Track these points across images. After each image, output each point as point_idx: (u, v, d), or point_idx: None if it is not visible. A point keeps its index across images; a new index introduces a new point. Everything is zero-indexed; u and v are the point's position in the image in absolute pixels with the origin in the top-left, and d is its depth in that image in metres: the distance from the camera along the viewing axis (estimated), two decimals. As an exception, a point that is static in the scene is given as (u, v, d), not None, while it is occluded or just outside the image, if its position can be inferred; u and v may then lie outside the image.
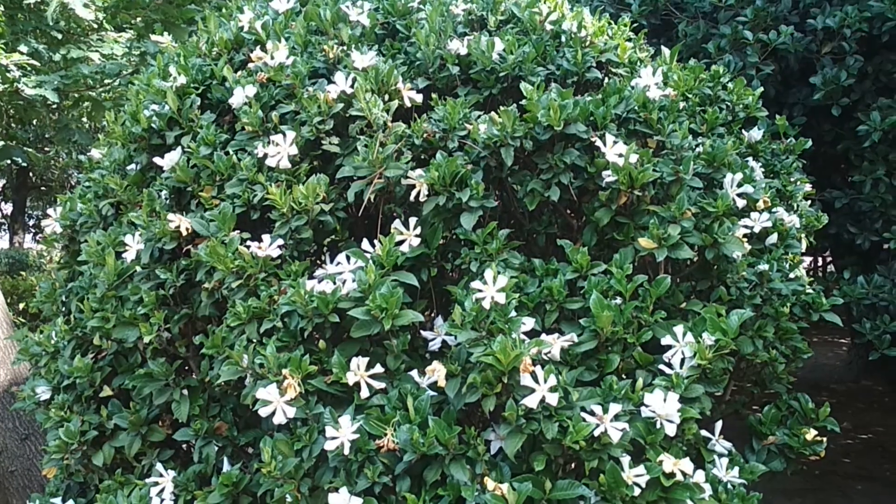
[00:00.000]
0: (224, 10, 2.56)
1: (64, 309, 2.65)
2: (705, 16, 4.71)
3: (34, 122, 6.00)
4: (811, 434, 2.31)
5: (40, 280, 8.93)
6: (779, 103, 4.73)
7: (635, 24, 4.63)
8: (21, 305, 8.26)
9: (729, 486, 1.99)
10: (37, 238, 20.68)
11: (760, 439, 2.34)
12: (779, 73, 4.56)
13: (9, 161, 4.54)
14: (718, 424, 2.21)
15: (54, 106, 5.07)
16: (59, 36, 5.66)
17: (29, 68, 4.86)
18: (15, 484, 5.39)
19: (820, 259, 9.06)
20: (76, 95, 5.36)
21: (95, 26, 5.74)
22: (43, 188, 17.94)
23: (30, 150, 4.60)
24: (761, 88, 2.66)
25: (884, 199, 4.47)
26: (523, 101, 2.00)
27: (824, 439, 2.33)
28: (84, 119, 6.07)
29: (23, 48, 5.00)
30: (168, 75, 2.32)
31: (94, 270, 2.22)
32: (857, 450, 7.02)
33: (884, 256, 4.73)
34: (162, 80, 2.30)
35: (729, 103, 2.55)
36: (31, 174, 15.74)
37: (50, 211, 2.58)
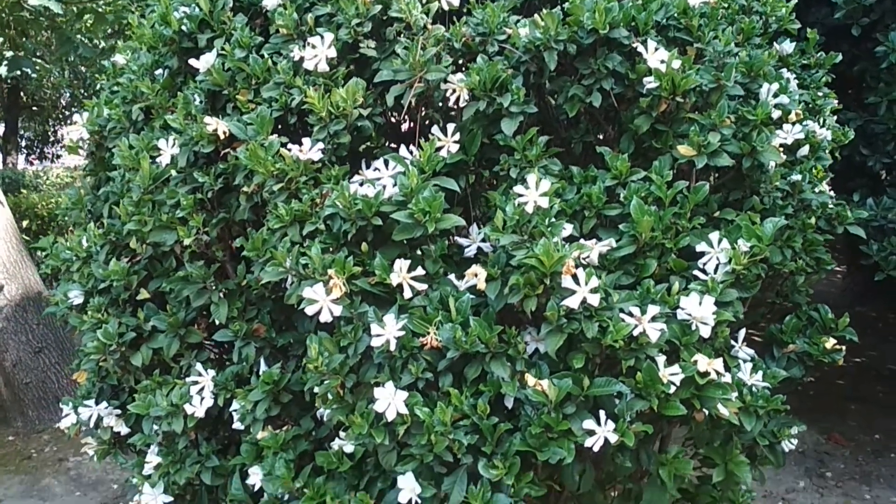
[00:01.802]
0: None
1: (92, 215, 2.67)
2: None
3: (35, 35, 5.86)
4: (830, 343, 2.37)
5: (42, 199, 8.92)
6: (799, 22, 4.67)
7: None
8: (24, 223, 8.27)
9: (753, 388, 2.06)
10: (30, 159, 20.48)
11: (781, 347, 2.40)
12: (798, -8, 4.49)
13: (17, 72, 4.45)
14: (742, 332, 2.27)
15: (57, 18, 4.95)
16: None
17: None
18: (30, 395, 5.54)
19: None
20: (78, 7, 5.22)
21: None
22: (34, 108, 17.65)
23: (38, 60, 4.51)
24: (795, 0, 2.62)
25: (898, 122, 4.49)
26: (564, 6, 1.97)
27: (843, 348, 2.40)
28: (85, 32, 5.94)
29: None
30: (196, -24, 2.27)
31: (128, 175, 2.23)
32: (852, 373, 7.21)
33: (893, 179, 4.76)
34: (191, -19, 2.26)
35: (763, 14, 2.52)
36: (22, 94, 15.45)
37: (76, 117, 2.56)
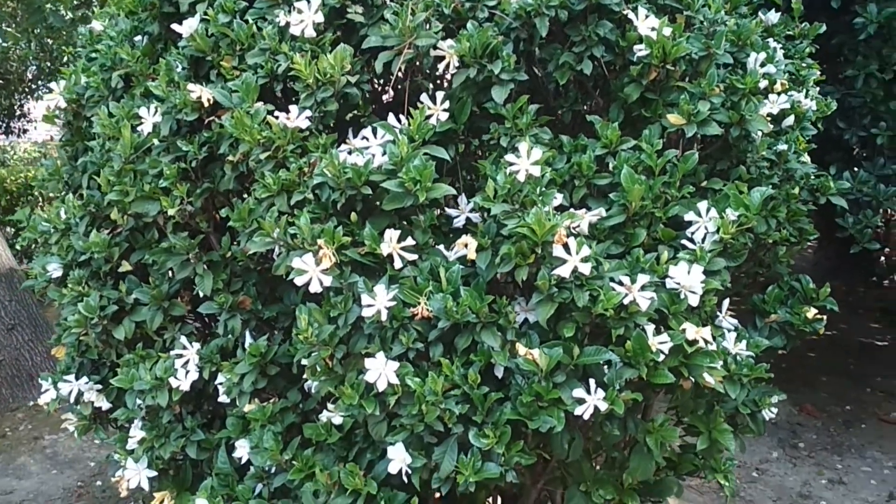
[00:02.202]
0: None
1: (70, 186, 2.61)
2: None
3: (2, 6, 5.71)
4: (812, 312, 2.40)
5: (11, 173, 8.74)
6: (778, -5, 4.70)
7: None
8: (-7, 199, 8.10)
9: (738, 357, 2.09)
10: (-5, 132, 20.00)
11: (763, 317, 2.43)
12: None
13: None
14: (725, 302, 2.29)
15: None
16: None
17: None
18: (3, 373, 5.45)
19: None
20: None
21: None
22: (0, 81, 17.20)
23: (9, 29, 4.38)
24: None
25: (874, 95, 4.53)
26: (554, -28, 1.95)
27: (824, 317, 2.44)
28: (53, 1, 5.79)
29: None
30: (176, -61, 2.21)
31: (108, 144, 2.17)
32: (822, 346, 7.33)
33: (869, 153, 4.82)
34: (170, -57, 2.19)
35: (747, -17, 2.51)
36: (-15, 67, 15.04)
37: (52, 85, 2.49)
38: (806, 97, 2.41)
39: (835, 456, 4.92)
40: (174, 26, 2.09)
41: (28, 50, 14.12)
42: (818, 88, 2.72)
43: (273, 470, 2.10)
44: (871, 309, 8.31)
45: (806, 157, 2.52)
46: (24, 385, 5.40)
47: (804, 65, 2.62)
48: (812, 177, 2.45)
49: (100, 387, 2.55)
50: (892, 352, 7.02)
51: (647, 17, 1.93)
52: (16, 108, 20.71)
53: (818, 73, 2.72)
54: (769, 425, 5.50)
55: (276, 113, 1.92)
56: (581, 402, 1.75)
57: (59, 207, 2.48)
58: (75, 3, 6.10)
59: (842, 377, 6.19)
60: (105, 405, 2.56)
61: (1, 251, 5.51)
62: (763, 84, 2.14)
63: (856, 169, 4.60)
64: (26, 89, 18.35)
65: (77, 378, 2.55)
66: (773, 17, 2.58)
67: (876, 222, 4.44)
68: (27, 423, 5.17)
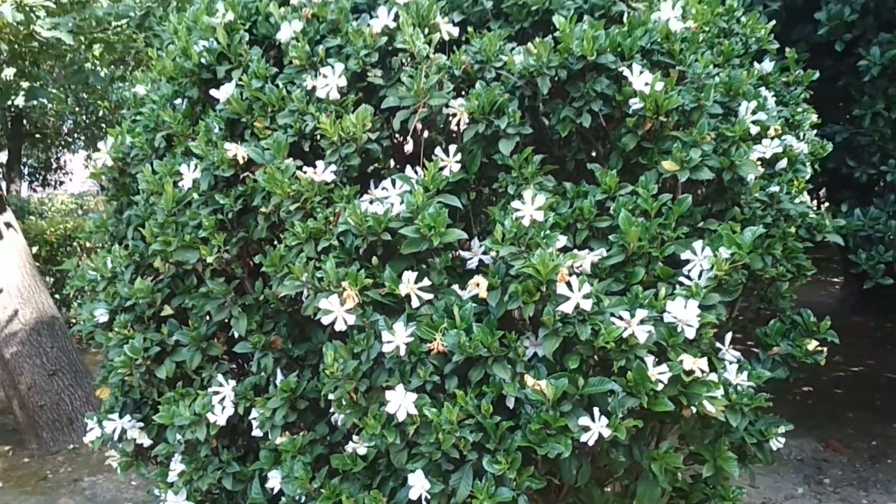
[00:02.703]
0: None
1: (115, 238, 2.83)
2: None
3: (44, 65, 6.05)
4: (812, 345, 2.51)
5: (51, 225, 9.08)
6: (783, 40, 4.84)
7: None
8: (34, 249, 8.42)
9: (739, 388, 2.21)
10: (33, 186, 20.68)
11: (766, 350, 2.55)
12: (783, 9, 4.68)
13: (34, 102, 4.63)
14: (728, 336, 2.42)
15: (67, 48, 5.13)
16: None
17: (43, 11, 4.92)
18: (45, 417, 5.67)
19: (816, 195, 9.26)
20: (88, 38, 5.42)
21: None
22: (37, 136, 17.88)
23: (53, 91, 4.69)
24: (773, 21, 2.79)
25: (882, 133, 4.66)
26: (556, 35, 2.14)
27: (825, 349, 2.54)
28: (93, 60, 6.13)
29: None
30: (214, 12, 2.45)
31: (152, 199, 2.38)
32: (849, 381, 7.32)
33: (880, 190, 4.92)
34: (209, 16, 2.43)
35: (743, 36, 2.69)
36: (24, 121, 15.68)
37: (100, 144, 2.72)
38: (800, 141, 2.55)
39: (860, 491, 4.92)
40: (213, 91, 2.32)
41: (65, 105, 14.72)
42: (816, 131, 2.87)
43: (303, 499, 2.25)
44: (899, 344, 8.26)
45: (805, 197, 2.66)
46: (65, 429, 5.61)
47: (799, 110, 2.78)
48: (809, 215, 2.58)
49: (142, 424, 2.73)
50: None
51: (641, 73, 2.10)
52: (52, 161, 21.37)
53: (814, 116, 2.87)
54: (794, 461, 5.53)
55: (305, 168, 2.11)
56: (586, 429, 1.88)
57: (106, 257, 2.68)
58: (112, 60, 6.45)
59: (868, 413, 6.17)
60: (147, 442, 2.73)
61: (43, 300, 5.77)
62: (755, 130, 2.30)
63: (867, 206, 4.69)
64: (62, 143, 19.03)
65: (121, 416, 2.73)
66: (768, 65, 2.74)
67: (889, 257, 4.51)
68: (67, 466, 5.35)
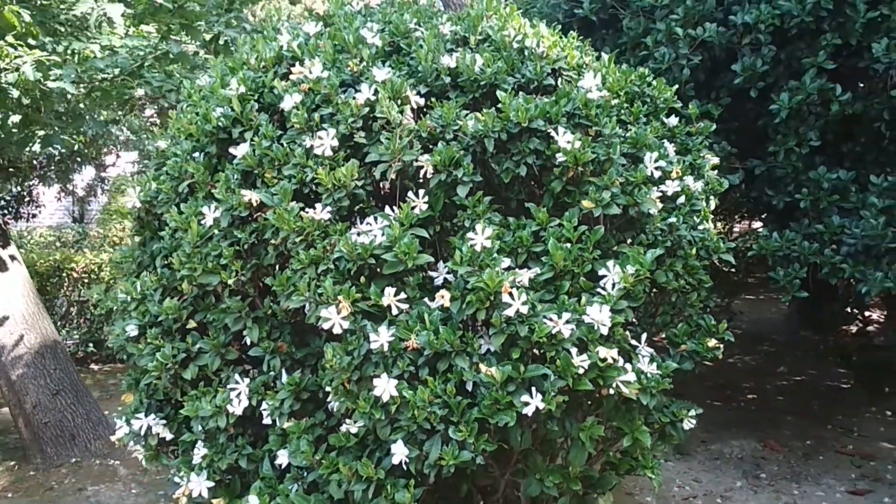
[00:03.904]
0: (266, 32, 3.29)
1: (140, 266, 3.39)
2: (644, 12, 5.51)
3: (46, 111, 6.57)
4: (712, 342, 3.15)
5: (41, 256, 9.52)
6: (708, 86, 5.56)
7: (585, 21, 5.43)
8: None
9: (649, 375, 2.83)
10: (5, 219, 20.83)
11: (676, 347, 3.18)
12: (707, 60, 5.37)
13: (50, 148, 5.12)
14: (643, 336, 3.04)
15: (71, 96, 5.66)
16: (62, 29, 6.26)
17: (48, 63, 5.46)
18: (48, 434, 6.12)
19: (757, 222, 10.00)
20: (87, 87, 5.96)
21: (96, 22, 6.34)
22: (11, 169, 18.16)
23: (65, 137, 5.21)
24: (676, 86, 3.46)
25: (795, 166, 5.32)
26: (499, 105, 2.79)
27: (721, 346, 3.18)
28: (94, 107, 6.64)
29: (31, 41, 5.60)
30: (226, 84, 3.06)
31: (180, 234, 2.96)
32: (791, 389, 7.90)
33: (797, 215, 5.60)
34: (223, 88, 3.04)
35: (652, 97, 3.36)
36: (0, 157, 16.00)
37: (129, 190, 3.30)
38: (697, 181, 3.22)
39: (793, 484, 5.45)
40: (230, 149, 2.92)
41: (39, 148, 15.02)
42: (715, 171, 3.54)
43: (305, 473, 2.82)
44: (842, 356, 8.87)
45: (708, 225, 3.32)
46: (67, 444, 6.06)
47: (701, 155, 3.45)
48: (707, 240, 3.23)
49: (164, 421, 3.28)
50: (853, 393, 7.55)
51: (564, 133, 2.75)
52: (24, 193, 21.59)
53: (714, 160, 3.54)
54: (735, 459, 6.16)
55: (306, 209, 2.71)
56: (527, 404, 2.48)
57: (135, 282, 3.25)
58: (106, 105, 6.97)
59: (806, 417, 6.71)
60: (169, 436, 3.27)
61: (46, 325, 6.25)
62: (658, 175, 2.96)
63: (784, 230, 5.35)
64: (37, 176, 19.32)
65: (146, 416, 3.28)
66: (673, 121, 3.42)
67: (803, 274, 5.18)
68: (71, 477, 5.80)
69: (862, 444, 6.17)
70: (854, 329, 9.72)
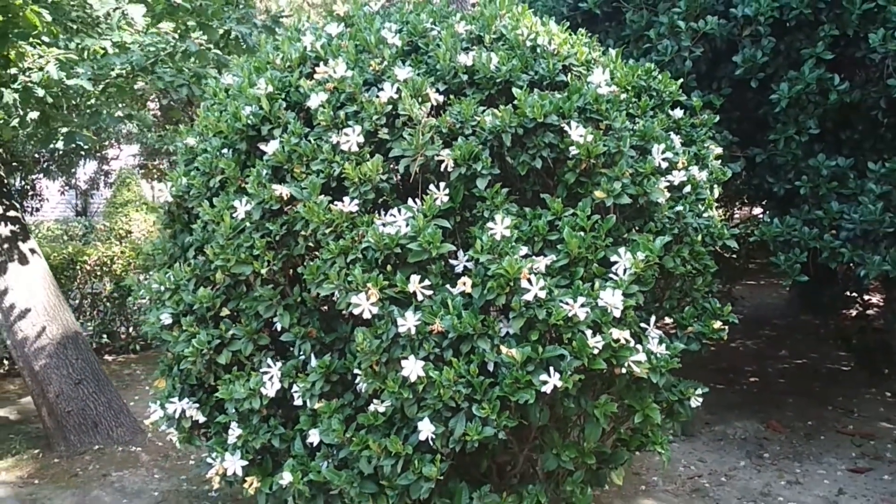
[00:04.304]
0: (289, 34, 3.45)
1: (172, 258, 3.56)
2: (647, 5, 5.64)
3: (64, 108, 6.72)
4: (717, 324, 3.32)
5: (55, 250, 9.68)
6: (709, 77, 5.70)
7: (589, 14, 5.57)
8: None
9: (658, 355, 3.00)
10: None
11: (682, 329, 3.35)
12: (709, 52, 5.51)
13: (73, 145, 5.25)
14: (652, 318, 3.21)
15: (88, 93, 5.81)
16: (75, 27, 6.40)
17: (65, 61, 5.60)
18: (71, 422, 6.29)
19: (757, 208, 10.13)
20: (103, 82, 6.11)
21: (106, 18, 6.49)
22: (14, 164, 18.31)
23: (87, 133, 5.36)
24: (680, 80, 3.62)
25: (795, 154, 5.45)
26: (515, 101, 2.95)
27: (726, 328, 3.35)
28: (109, 104, 6.78)
29: (45, 38, 5.75)
30: (254, 84, 3.21)
31: (212, 227, 3.13)
32: (792, 372, 8.04)
33: (797, 201, 5.75)
34: (251, 87, 3.19)
35: (658, 91, 3.52)
36: (2, 151, 16.14)
37: (162, 186, 3.46)
38: (701, 170, 3.38)
39: (795, 462, 5.60)
40: (261, 146, 3.08)
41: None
42: (719, 161, 3.70)
43: (336, 449, 2.99)
44: (842, 339, 9.01)
45: (713, 212, 3.49)
46: (90, 431, 6.23)
47: (705, 146, 3.61)
48: (712, 227, 3.39)
49: (197, 405, 3.45)
50: (852, 375, 7.68)
51: (577, 127, 2.91)
52: (28, 188, 21.73)
53: (718, 150, 3.70)
54: (738, 440, 6.33)
55: (335, 202, 2.87)
56: (545, 383, 2.66)
57: (168, 272, 3.41)
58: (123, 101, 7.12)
59: (807, 398, 6.86)
60: (202, 419, 3.45)
61: (67, 317, 6.42)
62: (665, 165, 3.12)
63: (785, 216, 5.50)
64: (40, 170, 19.46)
65: (180, 399, 3.45)
66: (678, 113, 3.57)
67: (803, 258, 5.33)
68: (95, 464, 5.97)
69: (862, 424, 6.32)
70: (854, 312, 9.85)
